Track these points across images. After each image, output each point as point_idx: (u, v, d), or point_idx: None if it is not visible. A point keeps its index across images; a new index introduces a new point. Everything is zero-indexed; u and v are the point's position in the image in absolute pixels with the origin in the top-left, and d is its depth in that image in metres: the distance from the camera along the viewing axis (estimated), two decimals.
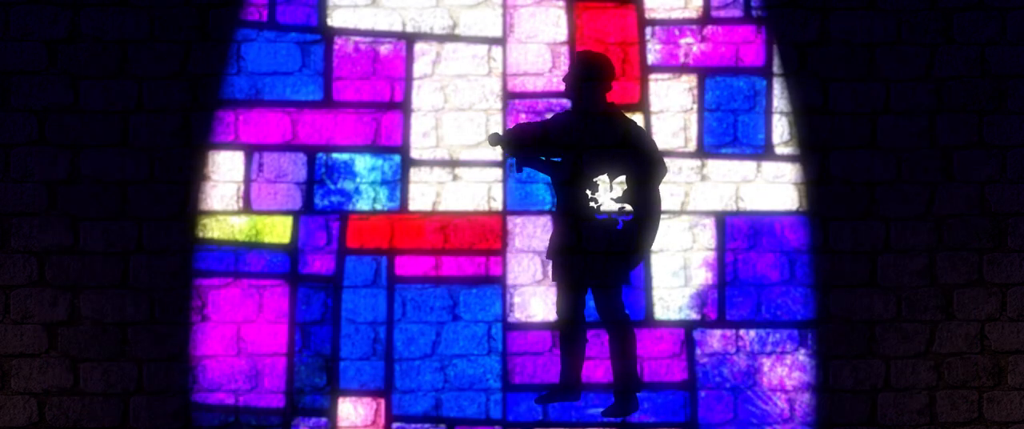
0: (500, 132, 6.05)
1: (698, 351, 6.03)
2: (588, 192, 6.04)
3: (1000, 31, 6.08)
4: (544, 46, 6.15)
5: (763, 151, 6.09)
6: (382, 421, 5.99)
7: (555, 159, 6.05)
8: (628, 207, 6.05)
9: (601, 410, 6.02)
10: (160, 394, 5.87)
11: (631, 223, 6.04)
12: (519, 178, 6.07)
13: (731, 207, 6.08)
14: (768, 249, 6.05)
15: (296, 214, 6.04)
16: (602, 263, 6.00)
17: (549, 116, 6.11)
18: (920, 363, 5.95)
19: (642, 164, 6.03)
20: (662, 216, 6.04)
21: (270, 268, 6.00)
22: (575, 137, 6.05)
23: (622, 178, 6.06)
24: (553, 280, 6.02)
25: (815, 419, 5.97)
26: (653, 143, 6.06)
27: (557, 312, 6.01)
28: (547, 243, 6.04)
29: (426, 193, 6.07)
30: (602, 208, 6.05)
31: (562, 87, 6.10)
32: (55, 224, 5.90)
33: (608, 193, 6.05)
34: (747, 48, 6.13)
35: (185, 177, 5.96)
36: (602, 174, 6.05)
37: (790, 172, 6.07)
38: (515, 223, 6.07)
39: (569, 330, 6.01)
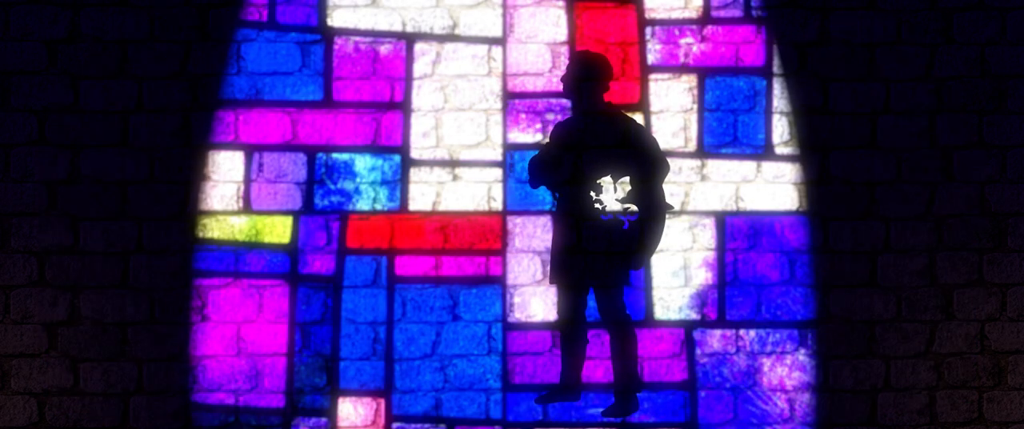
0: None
1: (698, 351, 6.03)
2: (592, 193, 6.04)
3: (1000, 31, 6.08)
4: (544, 46, 6.15)
5: (763, 151, 6.09)
6: (382, 421, 5.99)
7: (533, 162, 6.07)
8: (633, 207, 6.05)
9: (601, 410, 6.02)
10: (160, 394, 5.87)
11: (636, 223, 6.04)
12: (520, 178, 6.07)
13: (731, 207, 6.08)
14: (768, 249, 6.05)
15: (296, 214, 6.04)
16: (605, 263, 6.00)
17: (551, 128, 6.10)
18: (920, 363, 5.95)
19: (644, 163, 6.03)
20: (668, 215, 6.04)
21: (270, 268, 6.00)
22: (576, 137, 6.05)
23: (626, 178, 6.05)
24: (552, 281, 6.01)
25: (815, 419, 5.97)
26: (654, 141, 6.06)
27: (558, 312, 6.01)
28: (549, 244, 6.03)
29: (426, 193, 6.07)
30: (607, 209, 6.05)
31: (560, 87, 6.10)
32: (55, 224, 5.90)
33: (612, 194, 6.05)
34: (747, 48, 6.13)
35: (185, 177, 5.96)
36: (605, 175, 6.05)
37: (790, 172, 6.07)
38: (515, 223, 6.07)
39: (570, 330, 6.01)
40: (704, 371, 6.03)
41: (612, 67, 6.08)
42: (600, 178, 6.06)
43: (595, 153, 6.04)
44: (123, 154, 5.93)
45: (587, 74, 6.06)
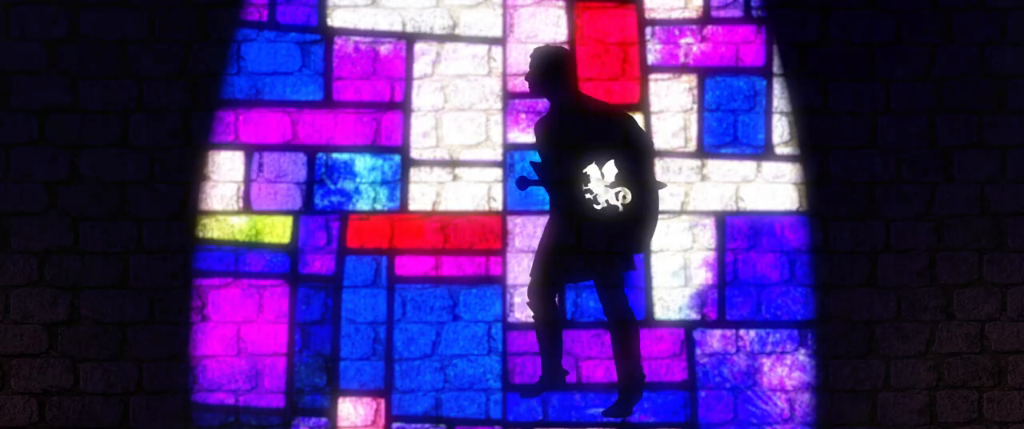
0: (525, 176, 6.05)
1: (698, 351, 6.03)
2: (582, 185, 6.01)
3: (1000, 31, 6.08)
4: None
5: (763, 151, 6.10)
6: (382, 421, 5.99)
7: (535, 160, 6.05)
8: (626, 190, 6.02)
9: (601, 410, 6.01)
10: (160, 394, 5.87)
11: (631, 206, 6.01)
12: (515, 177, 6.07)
13: (731, 207, 6.08)
14: (768, 249, 6.05)
15: (296, 214, 6.04)
16: (604, 258, 5.98)
17: (533, 129, 6.09)
18: (920, 363, 5.95)
19: (627, 144, 5.99)
20: (661, 196, 6.03)
21: (270, 268, 6.00)
22: (556, 132, 6.02)
23: (610, 162, 6.01)
24: (543, 276, 5.96)
25: (815, 419, 5.97)
26: (633, 120, 6.03)
27: (541, 307, 5.95)
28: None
29: (426, 193, 6.08)
30: (599, 197, 6.03)
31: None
32: (55, 224, 5.90)
33: (601, 181, 6.02)
34: (747, 48, 6.13)
35: (185, 177, 5.96)
36: (591, 164, 6.02)
37: (790, 172, 6.07)
38: (515, 223, 6.07)
39: (553, 324, 5.97)
40: (704, 371, 6.03)
41: (573, 57, 6.06)
42: (586, 168, 6.02)
43: (576, 143, 6.00)
44: (123, 154, 5.93)
45: (550, 68, 6.03)
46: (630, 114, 6.05)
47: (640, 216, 5.99)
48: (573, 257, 5.98)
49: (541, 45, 6.07)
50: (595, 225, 6.01)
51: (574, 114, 6.03)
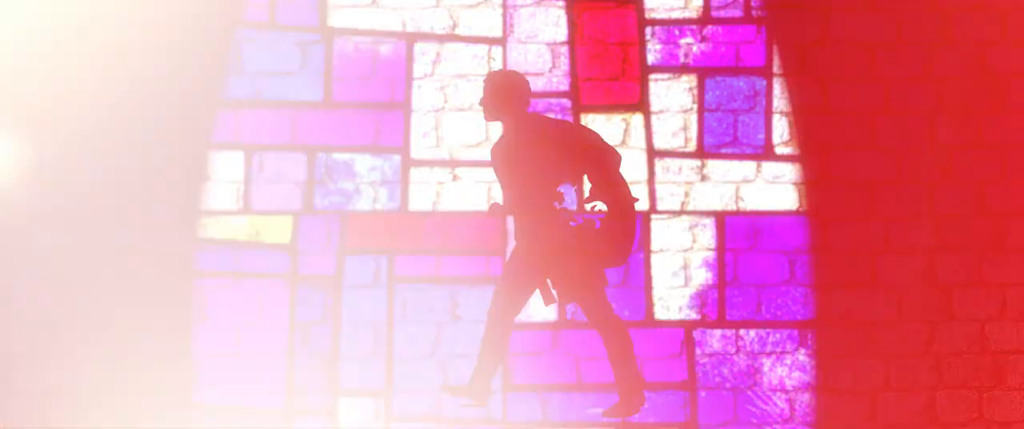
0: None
1: (698, 351, 6.03)
2: (556, 203, 5.85)
3: (1000, 31, 6.08)
4: (544, 46, 6.15)
5: (763, 151, 6.10)
6: (382, 421, 5.99)
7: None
8: (600, 205, 5.88)
9: (602, 410, 6.00)
10: (160, 394, 5.86)
11: (607, 220, 5.86)
12: None
13: (731, 207, 6.08)
14: (768, 249, 6.05)
15: (296, 214, 6.04)
16: (582, 268, 5.85)
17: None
18: (920, 363, 5.95)
19: (590, 158, 5.82)
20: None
21: (270, 268, 6.00)
22: (514, 157, 5.86)
23: (582, 177, 5.89)
24: (507, 297, 5.81)
25: (815, 419, 5.97)
26: (595, 134, 5.87)
27: (500, 321, 5.82)
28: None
29: (426, 193, 6.08)
30: (574, 213, 5.88)
31: (564, 88, 6.07)
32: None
33: (574, 197, 5.90)
34: (747, 48, 6.13)
35: (185, 177, 5.95)
36: (560, 182, 5.83)
37: (790, 172, 6.08)
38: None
39: (502, 342, 5.83)
40: (704, 371, 6.03)
41: (526, 82, 5.89)
42: (557, 186, 5.85)
43: (541, 164, 5.82)
44: (124, 154, 5.92)
45: (504, 93, 5.84)
46: (587, 126, 5.92)
47: (617, 231, 5.82)
48: (545, 278, 5.83)
49: (494, 71, 5.95)
50: (569, 243, 5.84)
51: (531, 135, 5.82)
